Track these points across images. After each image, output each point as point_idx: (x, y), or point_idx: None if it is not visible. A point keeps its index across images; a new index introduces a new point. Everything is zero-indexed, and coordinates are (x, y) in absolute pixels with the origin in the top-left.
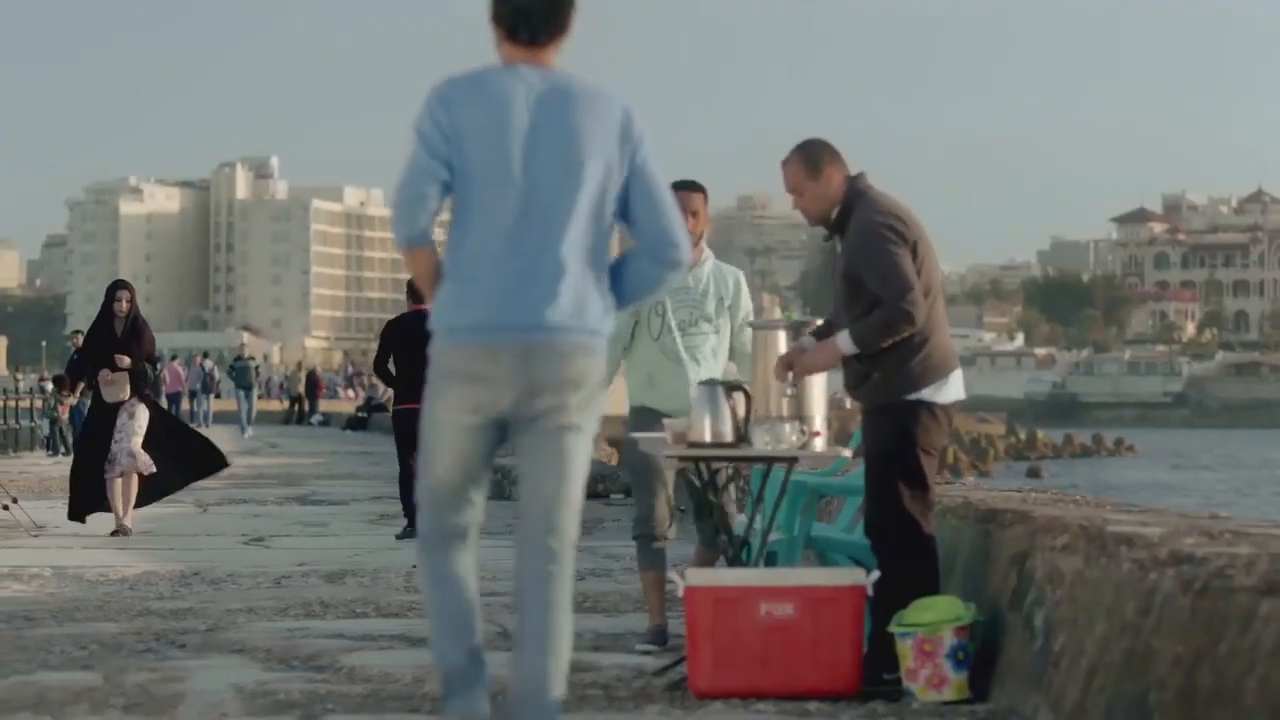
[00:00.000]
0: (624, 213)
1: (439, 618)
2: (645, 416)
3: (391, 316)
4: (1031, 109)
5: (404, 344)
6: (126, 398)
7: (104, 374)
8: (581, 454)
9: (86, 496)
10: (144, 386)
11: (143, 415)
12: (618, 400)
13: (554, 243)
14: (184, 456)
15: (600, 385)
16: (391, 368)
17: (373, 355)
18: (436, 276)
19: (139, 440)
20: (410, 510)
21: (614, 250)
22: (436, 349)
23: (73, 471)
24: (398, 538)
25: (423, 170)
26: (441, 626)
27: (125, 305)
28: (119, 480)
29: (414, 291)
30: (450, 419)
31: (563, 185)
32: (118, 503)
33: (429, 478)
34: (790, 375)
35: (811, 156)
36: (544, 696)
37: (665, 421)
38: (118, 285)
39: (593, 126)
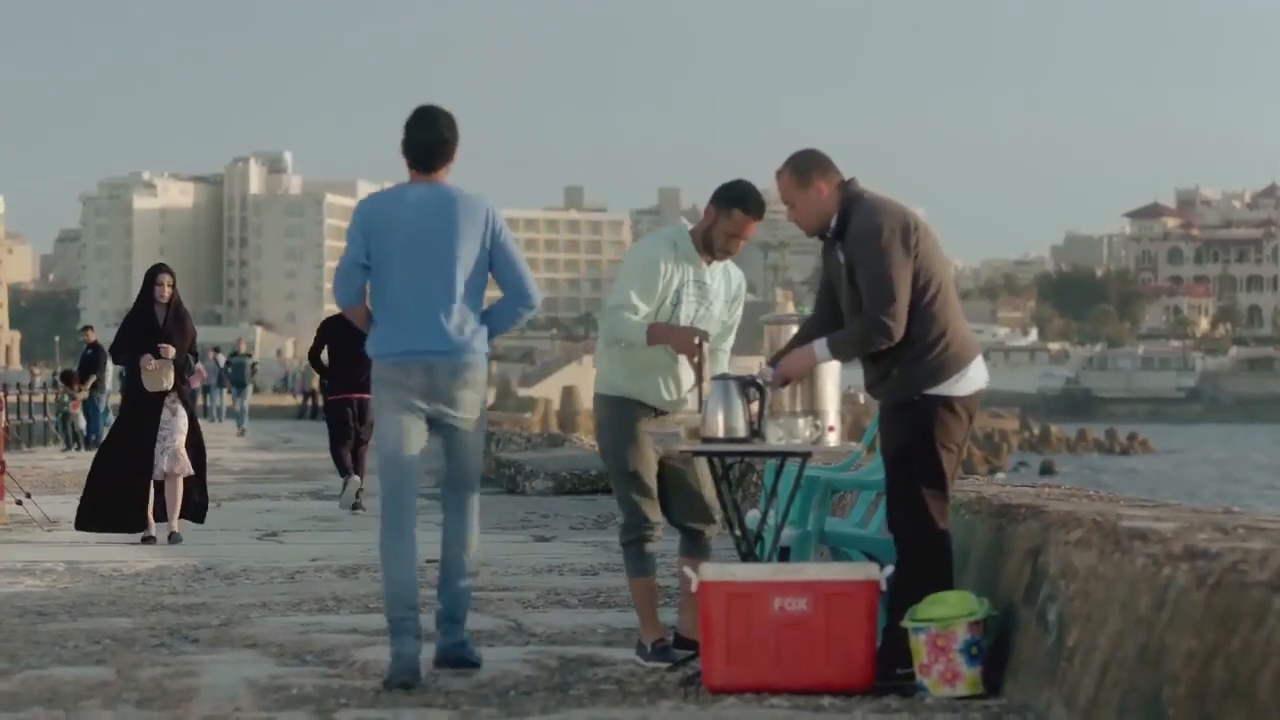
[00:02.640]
0: (493, 271)
1: (388, 573)
2: (625, 406)
3: None
4: (1044, 104)
5: (338, 339)
6: (169, 387)
7: (146, 359)
8: (476, 435)
9: (102, 507)
10: (187, 378)
11: (184, 415)
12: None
13: (443, 295)
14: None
15: (483, 385)
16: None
17: None
18: (367, 319)
19: (182, 439)
20: (344, 472)
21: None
22: (375, 366)
23: (92, 473)
24: (342, 505)
25: (351, 261)
26: (389, 581)
27: (167, 290)
28: (165, 484)
29: None
30: (389, 410)
31: (447, 258)
32: (171, 509)
33: (382, 455)
34: (770, 373)
35: (799, 169)
36: (465, 568)
37: (679, 418)
38: (159, 269)
39: (465, 220)
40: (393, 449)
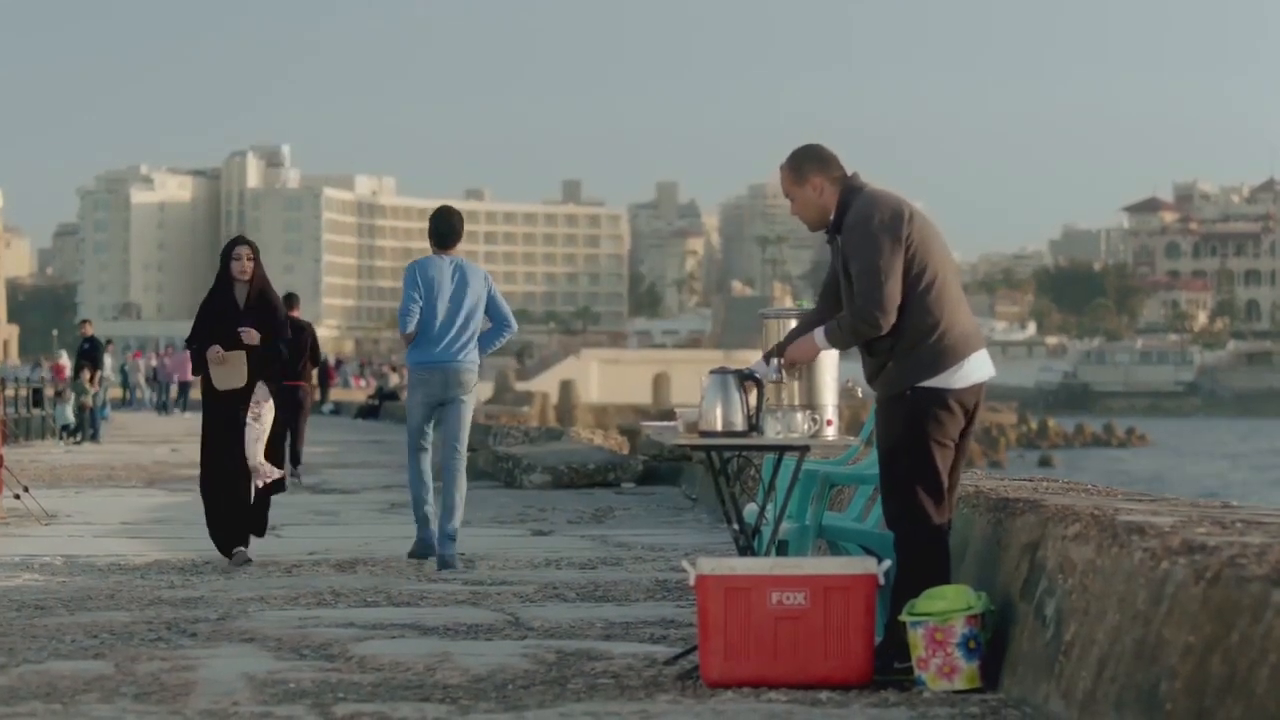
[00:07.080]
0: (487, 311)
1: (414, 491)
2: None
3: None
4: (1042, 98)
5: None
6: (243, 384)
7: (214, 351)
8: (467, 410)
9: (220, 525)
10: (275, 372)
11: (269, 415)
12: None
13: (459, 326)
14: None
15: (475, 381)
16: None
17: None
18: (411, 341)
19: (261, 448)
20: (293, 461)
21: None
22: (411, 369)
23: (202, 491)
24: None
25: (409, 301)
26: (414, 496)
27: (248, 264)
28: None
29: (289, 300)
30: (417, 398)
31: (460, 305)
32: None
33: (410, 424)
34: (775, 362)
35: (796, 164)
36: (455, 502)
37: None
38: (237, 241)
39: (473, 280)
40: (416, 420)
